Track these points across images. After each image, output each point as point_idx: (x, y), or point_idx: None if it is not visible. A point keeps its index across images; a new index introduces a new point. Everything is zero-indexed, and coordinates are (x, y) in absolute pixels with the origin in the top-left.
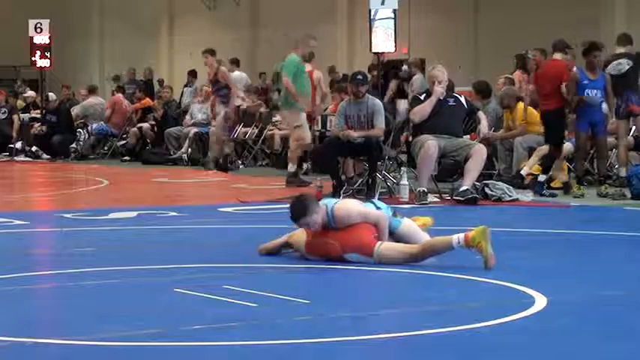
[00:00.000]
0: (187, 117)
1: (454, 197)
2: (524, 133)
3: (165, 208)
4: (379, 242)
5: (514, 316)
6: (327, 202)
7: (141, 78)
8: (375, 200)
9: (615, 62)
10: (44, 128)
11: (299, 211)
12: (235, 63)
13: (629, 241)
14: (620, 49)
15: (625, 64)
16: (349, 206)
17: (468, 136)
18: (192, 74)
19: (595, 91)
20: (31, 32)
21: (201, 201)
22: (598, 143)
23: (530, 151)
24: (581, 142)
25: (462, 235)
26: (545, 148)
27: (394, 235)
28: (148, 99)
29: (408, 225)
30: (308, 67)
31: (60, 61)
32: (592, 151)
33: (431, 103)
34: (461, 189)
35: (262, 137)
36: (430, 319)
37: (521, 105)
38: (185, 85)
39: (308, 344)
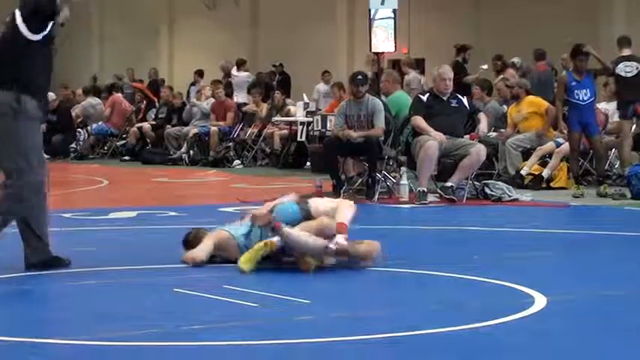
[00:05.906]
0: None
1: (439, 190)
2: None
3: (165, 208)
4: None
5: (514, 316)
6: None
7: (143, 78)
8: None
9: (624, 64)
10: (44, 126)
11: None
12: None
13: (629, 241)
14: (626, 51)
15: (635, 69)
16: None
17: (468, 136)
18: (199, 73)
19: (584, 90)
20: None
21: (201, 201)
22: (592, 143)
23: (524, 151)
24: (573, 142)
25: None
26: (545, 148)
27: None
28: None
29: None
30: None
31: (60, 62)
32: (592, 151)
33: (430, 133)
34: (446, 184)
35: (262, 137)
36: (430, 319)
37: (529, 97)
38: (191, 84)
39: (308, 344)
